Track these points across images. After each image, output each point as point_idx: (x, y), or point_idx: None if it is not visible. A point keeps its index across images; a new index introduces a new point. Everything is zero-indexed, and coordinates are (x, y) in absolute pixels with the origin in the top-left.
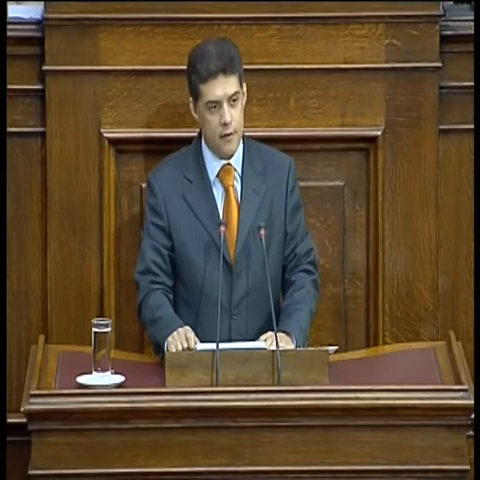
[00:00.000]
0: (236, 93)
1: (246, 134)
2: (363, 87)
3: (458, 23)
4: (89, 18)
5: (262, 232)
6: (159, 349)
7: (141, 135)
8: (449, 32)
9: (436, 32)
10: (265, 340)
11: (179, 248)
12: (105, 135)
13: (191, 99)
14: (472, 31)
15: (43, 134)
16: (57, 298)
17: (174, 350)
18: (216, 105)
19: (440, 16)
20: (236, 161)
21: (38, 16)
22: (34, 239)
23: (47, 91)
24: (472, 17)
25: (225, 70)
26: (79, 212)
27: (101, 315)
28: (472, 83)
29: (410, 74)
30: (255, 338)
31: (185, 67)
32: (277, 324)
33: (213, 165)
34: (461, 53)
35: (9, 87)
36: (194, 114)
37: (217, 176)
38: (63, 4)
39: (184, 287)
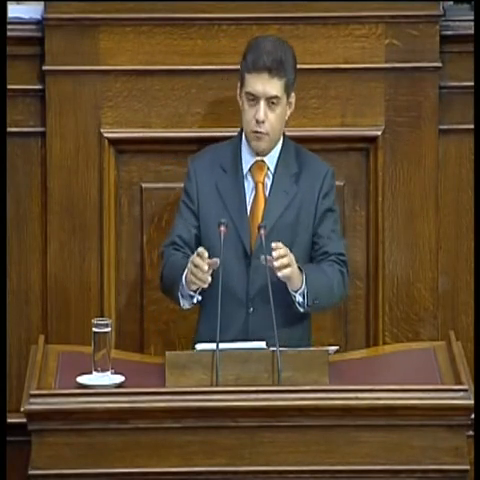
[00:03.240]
0: (276, 97)
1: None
2: (363, 87)
3: (458, 23)
4: (89, 18)
5: (262, 232)
6: (179, 299)
7: (141, 135)
8: (449, 32)
9: (436, 32)
10: (275, 249)
11: (204, 234)
12: (105, 135)
13: (239, 84)
14: (472, 31)
15: (43, 134)
16: (57, 298)
17: (194, 280)
18: (254, 99)
19: (440, 16)
20: (271, 159)
21: (38, 16)
22: (34, 239)
23: (47, 91)
24: (472, 17)
25: (271, 70)
26: (79, 212)
27: (101, 315)
28: (472, 83)
29: (410, 74)
30: (271, 333)
31: (185, 67)
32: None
33: (248, 159)
34: (461, 53)
35: (9, 87)
36: (239, 100)
37: (249, 170)
38: (63, 4)
39: None
